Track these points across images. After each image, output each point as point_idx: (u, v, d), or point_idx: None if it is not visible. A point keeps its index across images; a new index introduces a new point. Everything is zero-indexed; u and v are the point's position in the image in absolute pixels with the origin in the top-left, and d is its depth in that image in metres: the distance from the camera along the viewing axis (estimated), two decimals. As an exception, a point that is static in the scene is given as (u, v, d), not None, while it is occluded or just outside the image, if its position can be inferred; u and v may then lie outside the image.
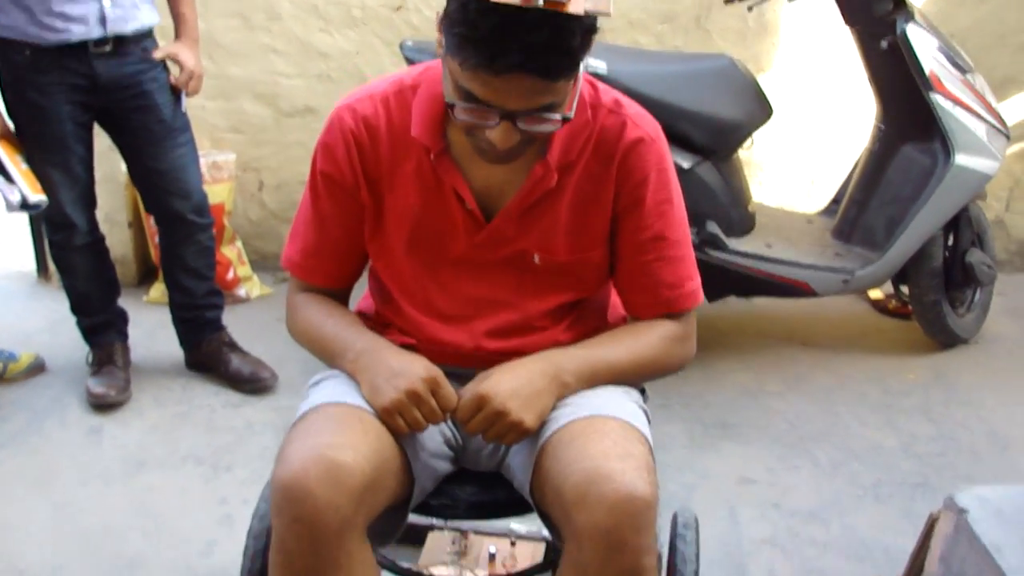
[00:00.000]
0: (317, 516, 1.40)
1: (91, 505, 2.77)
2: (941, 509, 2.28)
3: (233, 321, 3.48)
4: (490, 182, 1.70)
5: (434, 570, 2.05)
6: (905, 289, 3.72)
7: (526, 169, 1.67)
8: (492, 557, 2.08)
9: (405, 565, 1.92)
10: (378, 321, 1.85)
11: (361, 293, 1.96)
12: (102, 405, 3.16)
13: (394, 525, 1.68)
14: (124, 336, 3.35)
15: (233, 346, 3.36)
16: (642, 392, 1.84)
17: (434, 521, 2.16)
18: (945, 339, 3.69)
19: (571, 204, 1.71)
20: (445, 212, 1.72)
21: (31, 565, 2.54)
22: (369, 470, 1.48)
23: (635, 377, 1.76)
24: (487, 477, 1.76)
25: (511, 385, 1.60)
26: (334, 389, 1.66)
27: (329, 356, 1.74)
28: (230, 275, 4.03)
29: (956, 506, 2.04)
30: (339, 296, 1.85)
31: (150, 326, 3.66)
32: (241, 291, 4.07)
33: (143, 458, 2.95)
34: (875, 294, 4.13)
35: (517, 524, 2.15)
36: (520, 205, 1.70)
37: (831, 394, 3.44)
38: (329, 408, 1.59)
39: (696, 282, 1.79)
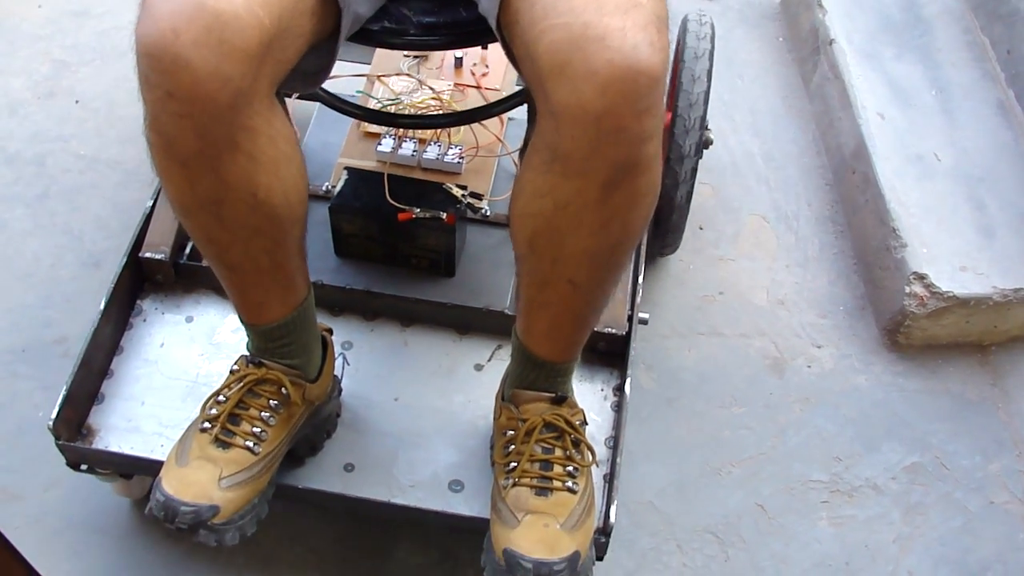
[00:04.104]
0: (198, 91, 0.97)
1: None
2: None
3: None
4: None
5: (387, 79, 1.67)
6: None
7: None
8: (459, 62, 1.69)
9: (354, 64, 1.54)
10: None
11: None
12: None
13: (324, 60, 1.20)
14: None
15: None
16: None
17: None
18: None
19: None
20: None
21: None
22: (269, 21, 1.00)
23: None
24: (446, -9, 1.30)
25: None
26: None
27: None
28: None
29: None
30: None
31: None
32: None
33: None
34: None
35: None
36: None
37: None
38: None
39: None
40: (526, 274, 1.18)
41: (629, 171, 1.02)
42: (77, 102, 2.08)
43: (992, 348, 1.81)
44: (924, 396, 1.75)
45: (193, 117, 1.00)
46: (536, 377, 1.26)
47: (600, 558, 1.33)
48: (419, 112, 1.64)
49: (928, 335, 1.78)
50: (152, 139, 1.06)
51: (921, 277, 1.72)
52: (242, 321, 1.26)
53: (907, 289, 1.73)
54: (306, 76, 1.20)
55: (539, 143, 1.05)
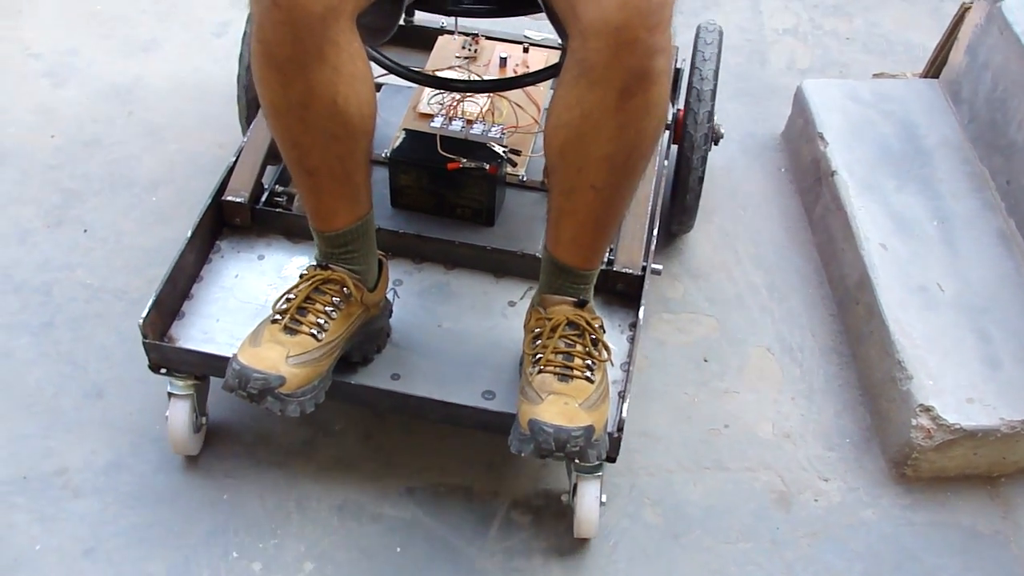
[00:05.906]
0: (297, 1, 1.24)
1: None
2: (975, -1, 2.21)
3: None
4: None
5: (441, 74, 1.96)
6: None
7: None
8: (503, 62, 1.99)
9: (412, 67, 1.79)
10: None
11: None
12: None
13: (388, 20, 1.53)
14: None
15: None
16: None
17: (443, 23, 2.08)
18: None
19: None
20: None
21: (45, 50, 2.53)
22: None
23: None
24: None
25: None
26: None
27: None
28: None
29: (992, -5, 1.98)
30: None
31: None
32: None
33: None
34: None
35: (531, 32, 2.07)
36: None
37: None
38: None
39: None
40: (556, 184, 1.39)
41: (642, 80, 1.24)
42: (85, 231, 2.10)
43: (1002, 480, 1.78)
44: (933, 530, 1.71)
45: (291, 25, 1.24)
46: (562, 283, 1.47)
47: (612, 459, 1.50)
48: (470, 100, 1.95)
49: (936, 467, 1.76)
50: (255, 48, 1.30)
51: (927, 409, 1.71)
52: (313, 229, 1.49)
53: (914, 421, 1.71)
54: (371, 31, 1.45)
55: (570, 62, 1.27)
